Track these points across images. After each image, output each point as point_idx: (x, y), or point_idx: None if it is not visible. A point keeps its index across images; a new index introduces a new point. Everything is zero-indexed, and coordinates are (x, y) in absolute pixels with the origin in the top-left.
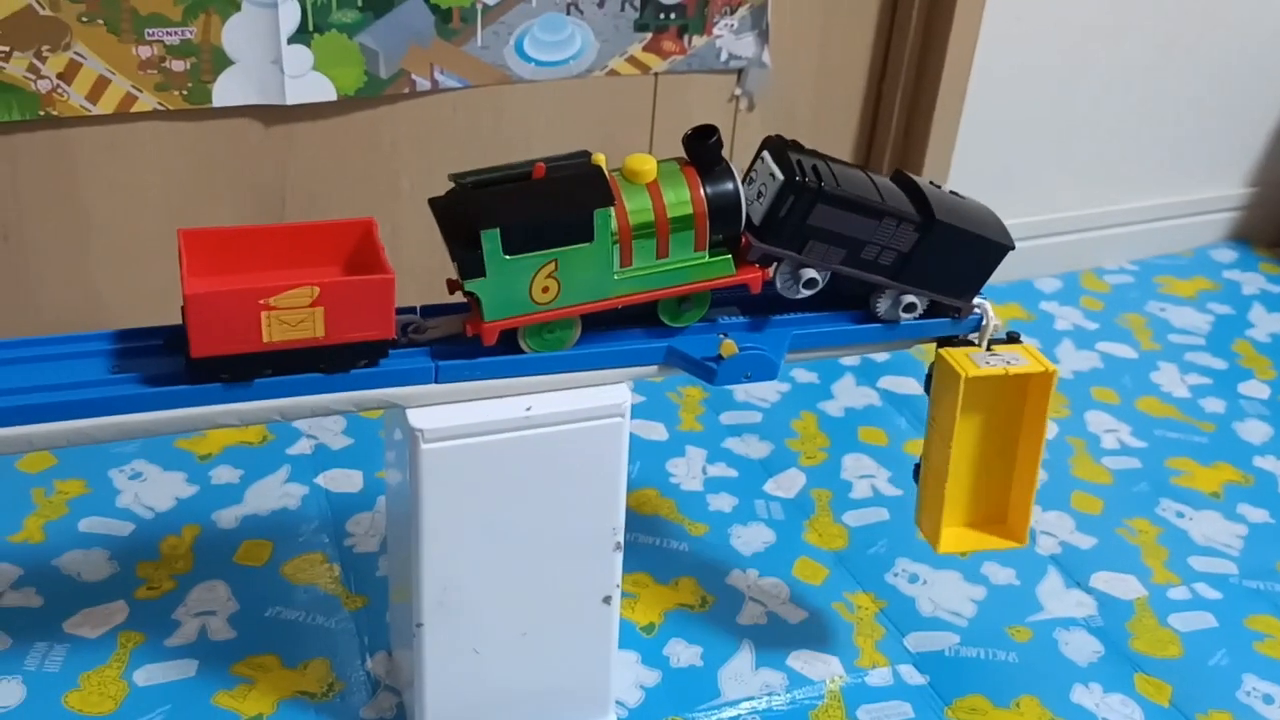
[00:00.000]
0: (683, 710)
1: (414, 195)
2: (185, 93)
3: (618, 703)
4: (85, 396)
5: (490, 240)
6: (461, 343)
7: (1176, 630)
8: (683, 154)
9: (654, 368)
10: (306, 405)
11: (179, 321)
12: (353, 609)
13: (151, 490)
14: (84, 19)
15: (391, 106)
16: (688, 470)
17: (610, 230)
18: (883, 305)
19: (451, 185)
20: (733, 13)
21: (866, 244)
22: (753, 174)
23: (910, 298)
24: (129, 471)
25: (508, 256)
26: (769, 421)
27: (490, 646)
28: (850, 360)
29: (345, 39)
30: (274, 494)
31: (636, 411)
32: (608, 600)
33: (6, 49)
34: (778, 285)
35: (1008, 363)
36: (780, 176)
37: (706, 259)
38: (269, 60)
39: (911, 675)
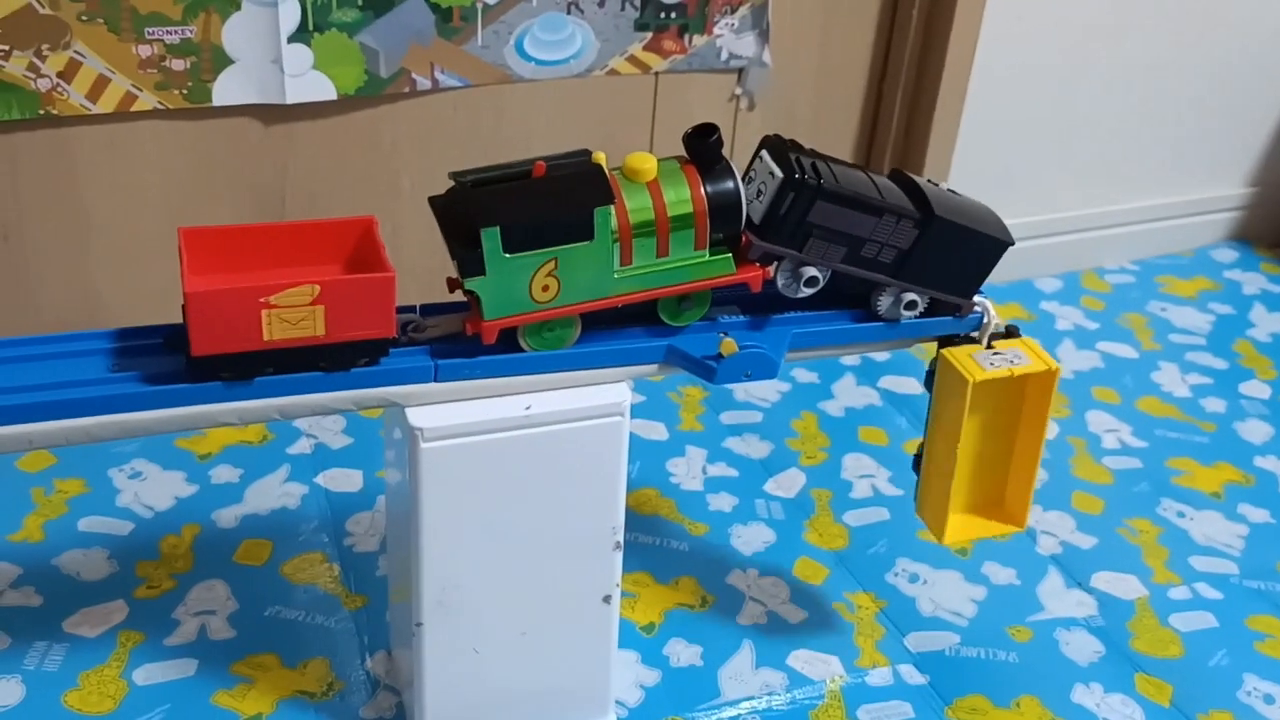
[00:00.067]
0: (683, 710)
1: (414, 194)
2: (185, 92)
3: (617, 702)
4: (85, 395)
5: (490, 239)
6: (461, 341)
7: (1177, 630)
8: (683, 152)
9: (654, 366)
10: (307, 404)
11: (179, 320)
12: (352, 608)
13: (151, 489)
14: (84, 18)
15: (392, 106)
16: (688, 470)
17: (610, 229)
18: (883, 303)
19: (452, 184)
20: (733, 12)
21: (866, 241)
22: (752, 173)
23: (911, 296)
24: (129, 471)
25: (507, 255)
26: (769, 421)
27: (490, 646)
28: (851, 360)
29: (345, 38)
30: (274, 493)
31: (637, 411)
32: (607, 600)
33: (6, 48)
34: (779, 284)
35: (1011, 362)
36: (780, 174)
37: (707, 258)
38: (269, 59)
39: (912, 675)
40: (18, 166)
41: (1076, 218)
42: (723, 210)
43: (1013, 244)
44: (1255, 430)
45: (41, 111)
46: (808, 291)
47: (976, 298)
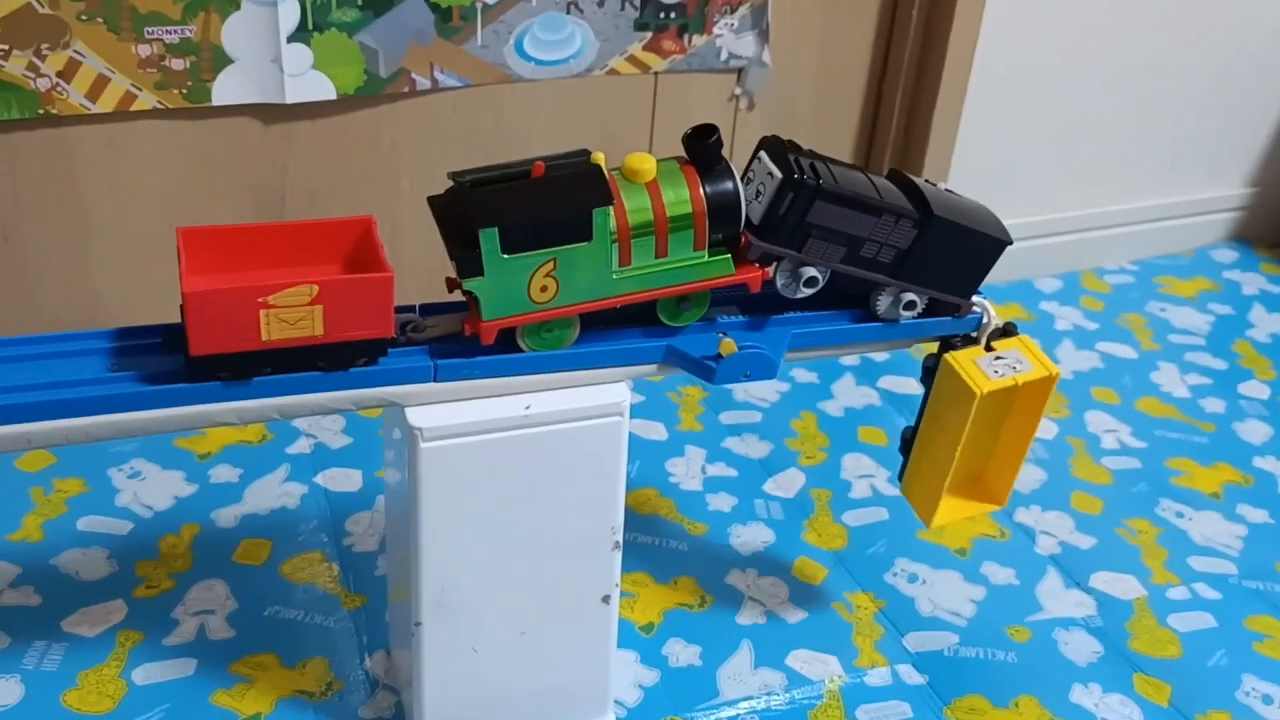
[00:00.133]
0: (681, 710)
1: (414, 194)
2: (185, 91)
3: (616, 702)
4: (84, 395)
5: (488, 239)
6: (460, 341)
7: (1176, 630)
8: (682, 153)
9: (653, 366)
10: (305, 404)
11: (178, 320)
12: (351, 608)
13: (150, 489)
14: (83, 17)
15: (391, 105)
16: (687, 470)
17: (609, 229)
18: (883, 304)
19: (451, 184)
20: (733, 12)
21: (866, 241)
22: (750, 174)
23: (910, 296)
24: (128, 470)
25: (506, 256)
26: (768, 421)
27: (489, 646)
28: (850, 360)
29: (345, 38)
30: (273, 493)
31: (636, 411)
32: (606, 599)
33: (6, 47)
34: (778, 285)
35: (1014, 368)
36: (779, 175)
37: (706, 258)
38: (269, 59)
39: (910, 675)
40: (17, 166)
41: (1076, 218)
42: (722, 211)
43: (1011, 243)
44: (1254, 431)
45: (41, 111)
46: (807, 292)
47: (975, 297)
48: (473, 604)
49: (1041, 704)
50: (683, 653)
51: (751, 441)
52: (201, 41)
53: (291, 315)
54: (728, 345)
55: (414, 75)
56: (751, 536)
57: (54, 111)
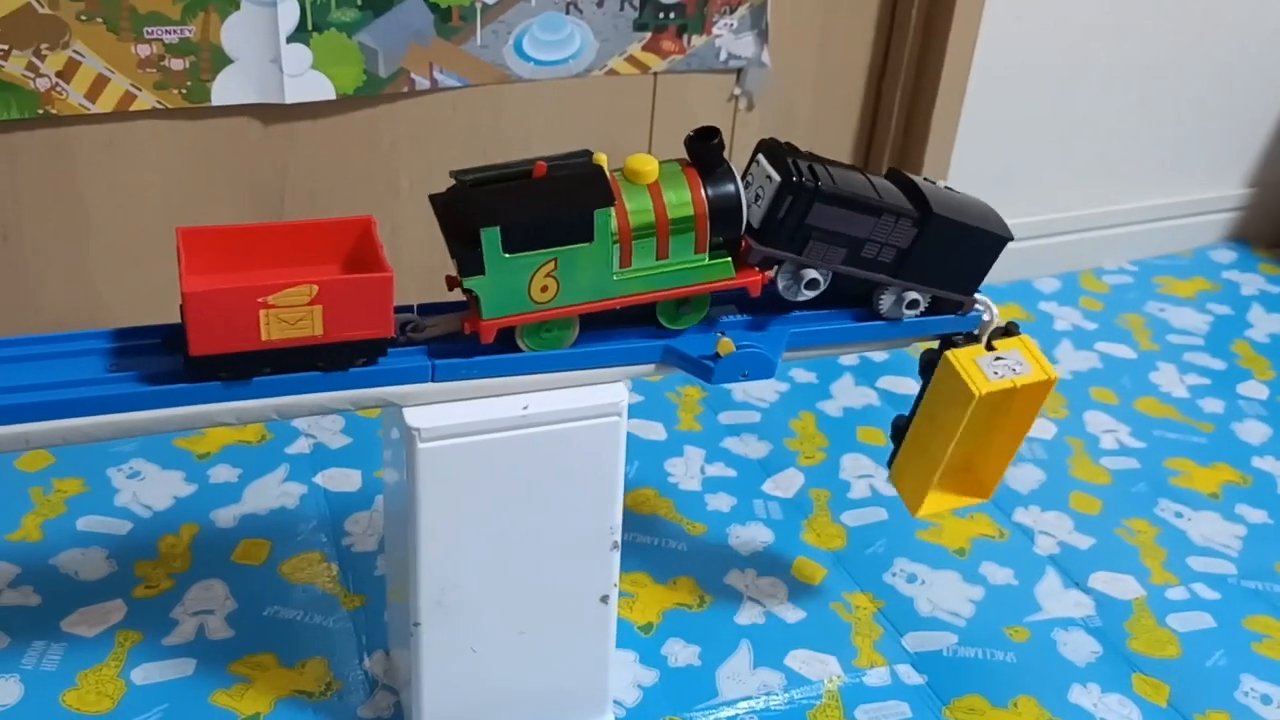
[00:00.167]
0: (680, 710)
1: (413, 194)
2: (184, 91)
3: (615, 702)
4: (83, 395)
5: (490, 238)
6: (459, 341)
7: (1175, 630)
8: (683, 154)
9: (651, 366)
10: (304, 404)
11: (178, 320)
12: (351, 608)
13: (150, 489)
14: (83, 17)
15: (391, 105)
16: (686, 470)
17: (610, 230)
18: (885, 303)
19: (452, 183)
20: (732, 12)
21: (866, 242)
22: (749, 177)
23: (913, 294)
24: (127, 470)
25: (507, 255)
26: (767, 421)
27: (488, 646)
28: (849, 360)
29: (344, 38)
30: (272, 493)
31: (635, 411)
32: (605, 600)
33: (5, 47)
34: (779, 287)
35: (1014, 370)
36: (777, 178)
37: (706, 261)
38: (268, 59)
39: (909, 675)
40: (17, 166)
41: (1075, 218)
42: (723, 213)
43: (1012, 239)
44: (1253, 431)
45: (40, 111)
46: (809, 294)
47: (977, 295)
48: (471, 604)
49: (1040, 704)
50: (682, 653)
51: (750, 441)
52: (201, 41)
53: (291, 315)
54: (725, 345)
55: (413, 75)
56: (750, 536)
57: (53, 111)
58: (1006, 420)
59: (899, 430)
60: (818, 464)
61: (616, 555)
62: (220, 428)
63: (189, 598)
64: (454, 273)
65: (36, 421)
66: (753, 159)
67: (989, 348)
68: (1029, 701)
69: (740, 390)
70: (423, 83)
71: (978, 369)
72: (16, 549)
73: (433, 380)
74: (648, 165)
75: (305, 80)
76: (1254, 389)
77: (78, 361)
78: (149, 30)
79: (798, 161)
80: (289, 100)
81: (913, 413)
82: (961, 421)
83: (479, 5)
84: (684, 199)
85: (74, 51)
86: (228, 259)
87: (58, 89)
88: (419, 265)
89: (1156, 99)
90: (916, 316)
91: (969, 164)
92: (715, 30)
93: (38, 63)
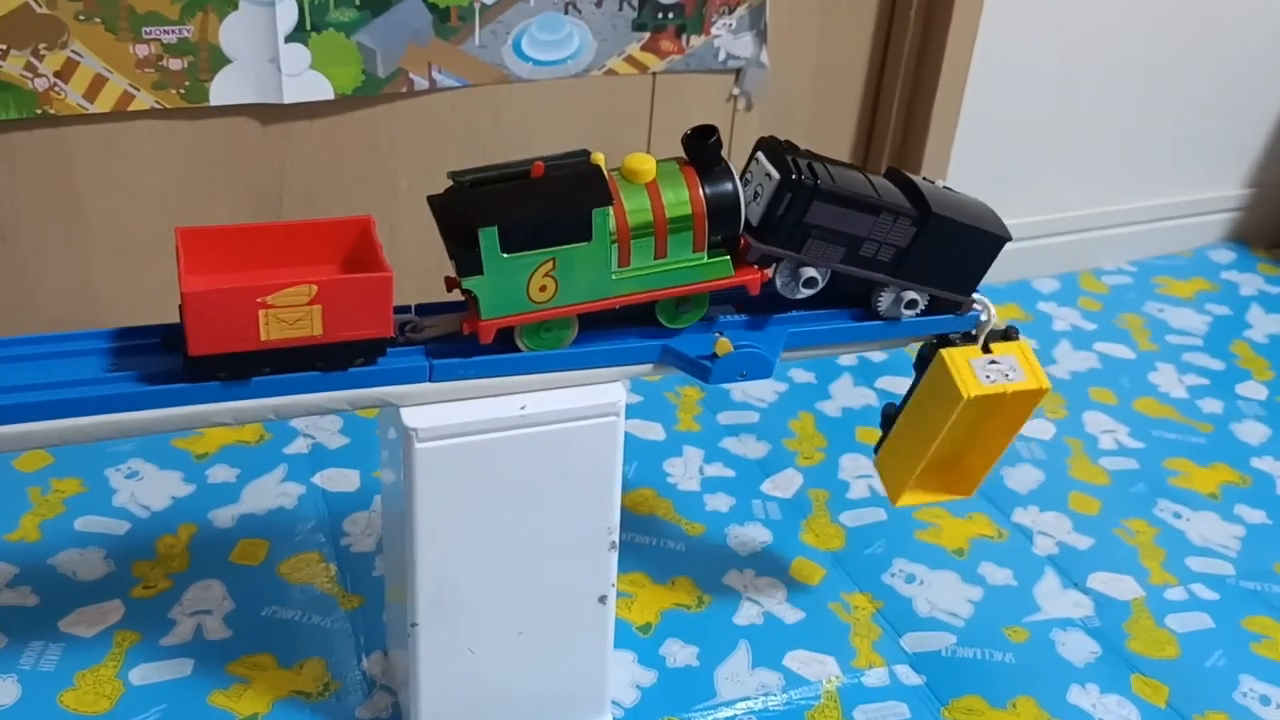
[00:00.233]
0: (679, 710)
1: (412, 194)
2: (183, 91)
3: (614, 702)
4: (82, 395)
5: (488, 238)
6: (457, 341)
7: (1173, 631)
8: (681, 153)
9: (649, 366)
10: (303, 404)
11: (176, 320)
12: (349, 608)
13: (148, 489)
14: (81, 17)
15: (389, 105)
16: (685, 470)
17: (609, 230)
18: (884, 302)
19: (450, 183)
20: (731, 12)
21: (865, 240)
22: (748, 175)
23: (911, 294)
24: (125, 470)
25: (505, 255)
26: (766, 421)
27: (486, 646)
28: (847, 360)
29: (343, 38)
30: (270, 493)
31: (634, 411)
32: (603, 600)
33: (4, 47)
34: (778, 285)
35: (1007, 375)
36: (776, 175)
37: (705, 260)
38: (266, 59)
39: (908, 675)
40: (15, 166)
41: (1074, 218)
42: (721, 212)
43: (1010, 239)
44: (1252, 431)
45: (39, 111)
46: (807, 292)
47: (976, 296)
48: (470, 604)
49: (1039, 704)
50: (680, 653)
51: (749, 442)
52: (199, 41)
53: (290, 315)
54: (723, 345)
55: (412, 75)
56: (749, 537)
57: (52, 111)
58: (994, 423)
59: (888, 419)
60: (816, 464)
61: (614, 555)
62: (218, 428)
63: (187, 598)
64: (453, 273)
65: (36, 421)
66: (752, 156)
67: (985, 350)
68: (1028, 702)
69: (739, 390)
70: (421, 83)
71: (970, 371)
72: (14, 549)
73: (430, 380)
74: (645, 164)
75: (303, 80)
76: (1253, 389)
77: (77, 361)
78: (147, 30)
79: (797, 160)
80: (287, 100)
81: (903, 404)
82: (948, 420)
83: (477, 5)
84: (682, 198)
85: (72, 51)
86: (227, 259)
87: (56, 89)
88: (417, 265)
89: (1156, 99)
90: (915, 317)
91: (968, 164)
92: (714, 30)
93: (36, 63)
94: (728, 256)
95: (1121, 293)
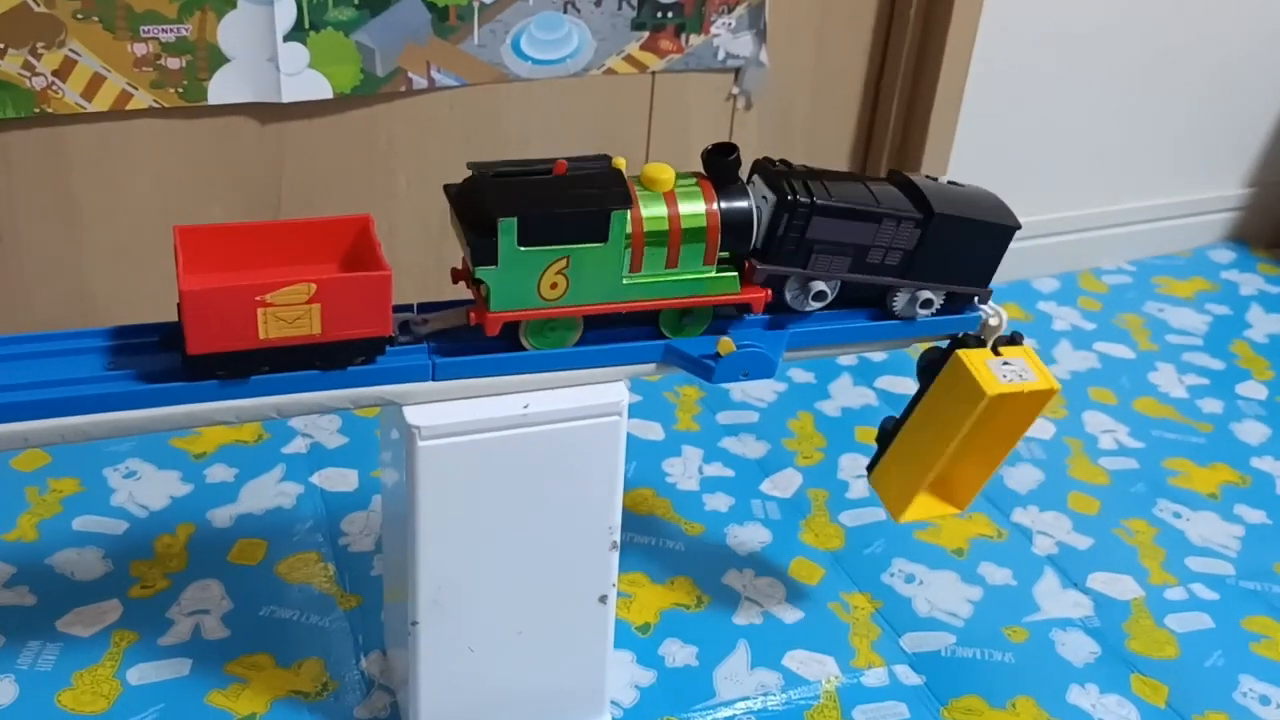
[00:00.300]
0: (678, 710)
1: (410, 194)
2: (181, 90)
3: (613, 702)
4: (80, 393)
5: (507, 229)
6: (458, 340)
7: (1173, 631)
8: (682, 153)
9: (651, 366)
10: (303, 402)
11: (175, 319)
12: (347, 608)
13: (146, 489)
14: (79, 16)
15: (388, 105)
16: (684, 470)
17: (625, 233)
18: (899, 303)
19: (460, 180)
20: (730, 11)
21: (870, 248)
22: None
23: (926, 294)
24: (123, 470)
25: (522, 248)
26: (766, 421)
27: (485, 645)
28: (847, 360)
29: (341, 37)
30: (269, 493)
31: (633, 411)
32: (603, 599)
33: (1, 46)
34: (788, 299)
35: (1021, 376)
36: (773, 197)
37: (713, 274)
38: (265, 58)
39: (907, 675)
40: (13, 165)
41: (1074, 218)
42: (734, 227)
43: (1019, 227)
44: (1252, 431)
45: (36, 110)
46: (817, 305)
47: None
48: (469, 604)
49: (1039, 704)
50: (679, 653)
51: (749, 441)
52: (197, 40)
53: (289, 314)
54: (726, 344)
55: (410, 74)
56: (748, 536)
57: (49, 110)
58: (1000, 429)
59: (885, 435)
60: (816, 464)
61: (615, 555)
62: (217, 427)
63: (185, 598)
64: (456, 267)
65: (34, 420)
66: (748, 180)
67: (995, 353)
68: (1027, 702)
69: (738, 390)
70: (420, 82)
71: (989, 370)
72: (12, 549)
73: (432, 379)
74: (664, 174)
75: (302, 79)
76: (1253, 389)
77: (75, 360)
78: (145, 29)
79: (791, 179)
80: (286, 99)
81: (904, 416)
82: (966, 421)
83: (476, 4)
84: (698, 210)
85: (70, 50)
86: (225, 258)
87: (54, 88)
88: (415, 265)
89: (1156, 99)
90: (931, 315)
91: (968, 163)
92: (713, 30)
93: (34, 61)
94: (735, 273)
95: (1121, 292)
